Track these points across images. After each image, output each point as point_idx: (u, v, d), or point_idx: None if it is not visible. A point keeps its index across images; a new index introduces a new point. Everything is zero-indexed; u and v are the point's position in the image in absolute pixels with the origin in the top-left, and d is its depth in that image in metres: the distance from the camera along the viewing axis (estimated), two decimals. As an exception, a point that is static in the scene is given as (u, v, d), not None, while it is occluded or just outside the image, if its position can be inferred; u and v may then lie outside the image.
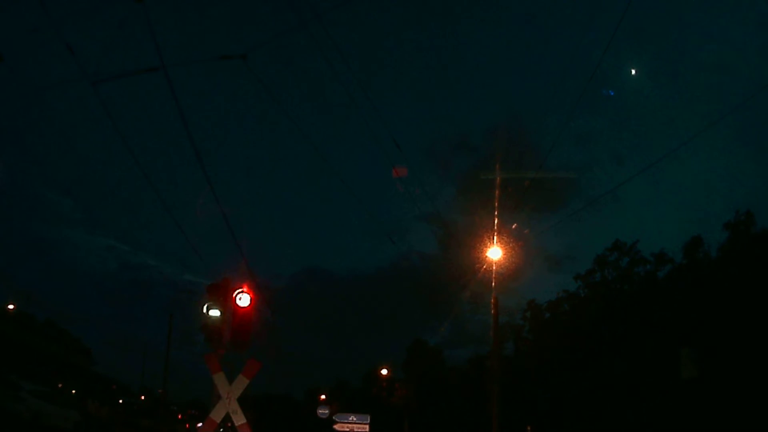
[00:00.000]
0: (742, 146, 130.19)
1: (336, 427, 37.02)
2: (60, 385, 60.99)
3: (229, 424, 12.69)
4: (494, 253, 23.19)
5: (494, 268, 23.56)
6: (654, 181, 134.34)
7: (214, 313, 11.57)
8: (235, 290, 11.76)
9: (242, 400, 11.72)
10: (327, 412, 42.32)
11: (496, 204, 22.93)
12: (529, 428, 48.94)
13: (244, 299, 11.71)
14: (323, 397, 77.38)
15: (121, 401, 79.13)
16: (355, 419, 37.27)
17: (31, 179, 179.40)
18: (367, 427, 36.96)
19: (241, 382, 11.71)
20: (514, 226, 23.80)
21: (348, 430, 36.38)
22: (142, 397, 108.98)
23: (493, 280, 23.69)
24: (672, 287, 39.03)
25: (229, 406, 11.49)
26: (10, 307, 59.41)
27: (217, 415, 11.52)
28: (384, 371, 61.84)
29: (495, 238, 22.91)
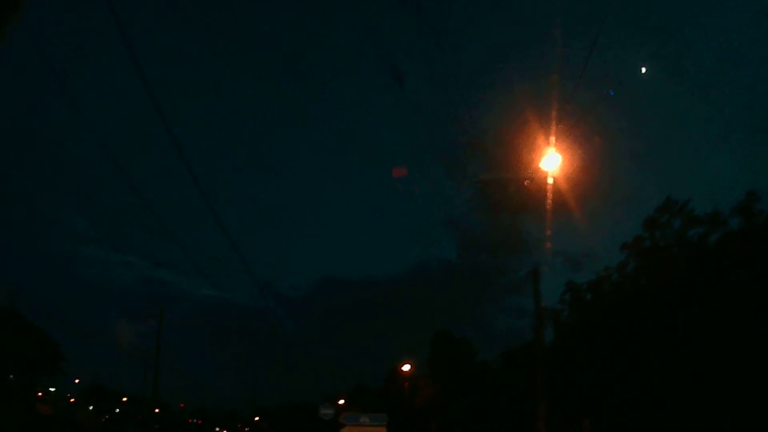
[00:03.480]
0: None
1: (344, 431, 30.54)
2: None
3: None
4: (551, 159, 16.82)
5: (550, 179, 17.31)
6: (667, 171, 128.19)
7: None
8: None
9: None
10: (331, 412, 35.54)
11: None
12: (587, 423, 42.43)
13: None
14: (342, 402, 72.41)
15: (118, 410, 76.74)
16: (367, 420, 30.69)
17: (48, 199, 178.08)
18: (384, 429, 30.40)
19: None
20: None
21: (359, 435, 29.91)
22: (157, 410, 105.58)
23: (548, 199, 17.39)
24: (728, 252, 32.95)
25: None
26: None
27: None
28: (406, 367, 54.82)
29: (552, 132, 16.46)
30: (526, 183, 19.54)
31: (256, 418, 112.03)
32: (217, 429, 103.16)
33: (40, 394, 61.94)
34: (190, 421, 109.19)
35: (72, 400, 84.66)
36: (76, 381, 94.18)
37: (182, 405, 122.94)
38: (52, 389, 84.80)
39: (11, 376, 54.56)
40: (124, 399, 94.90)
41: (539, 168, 17.21)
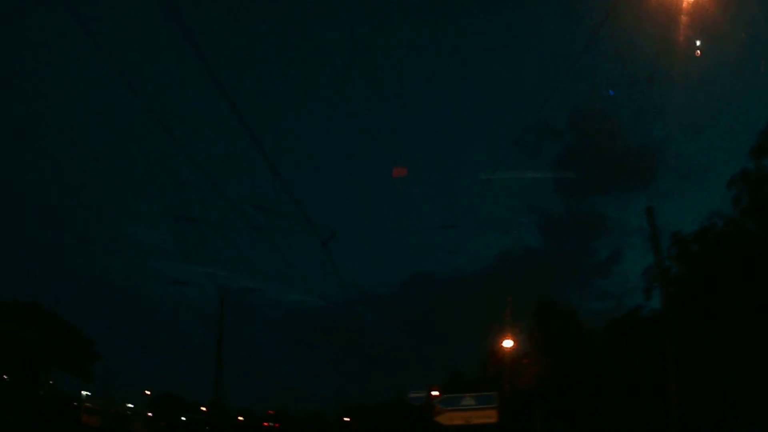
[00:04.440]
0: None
1: (441, 420, 23.02)
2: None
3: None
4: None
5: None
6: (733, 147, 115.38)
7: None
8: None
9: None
10: (422, 395, 28.01)
11: None
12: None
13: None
14: (436, 393, 65.83)
15: (184, 419, 72.89)
16: (472, 402, 23.06)
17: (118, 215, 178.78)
18: (495, 412, 22.77)
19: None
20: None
21: (462, 422, 22.36)
22: (240, 418, 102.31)
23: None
24: None
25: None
26: None
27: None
28: (508, 342, 45.78)
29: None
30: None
31: (346, 419, 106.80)
32: None
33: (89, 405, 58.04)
34: (265, 424, 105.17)
35: (149, 414, 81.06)
36: (147, 393, 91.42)
37: (271, 411, 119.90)
38: (130, 405, 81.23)
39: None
40: (203, 408, 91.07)
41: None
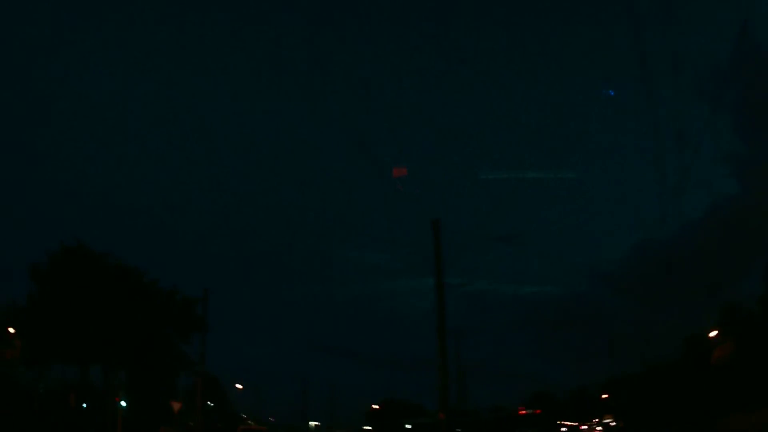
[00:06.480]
0: None
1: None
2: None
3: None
4: None
5: None
6: None
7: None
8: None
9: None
10: None
11: None
12: None
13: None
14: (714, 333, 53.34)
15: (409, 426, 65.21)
16: None
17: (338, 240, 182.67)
18: None
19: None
20: None
21: None
22: None
23: None
24: None
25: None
26: None
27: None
28: None
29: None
30: None
31: (604, 395, 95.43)
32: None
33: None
34: (522, 412, 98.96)
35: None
36: (375, 407, 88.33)
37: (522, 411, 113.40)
38: (367, 428, 75.08)
39: None
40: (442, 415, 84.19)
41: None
